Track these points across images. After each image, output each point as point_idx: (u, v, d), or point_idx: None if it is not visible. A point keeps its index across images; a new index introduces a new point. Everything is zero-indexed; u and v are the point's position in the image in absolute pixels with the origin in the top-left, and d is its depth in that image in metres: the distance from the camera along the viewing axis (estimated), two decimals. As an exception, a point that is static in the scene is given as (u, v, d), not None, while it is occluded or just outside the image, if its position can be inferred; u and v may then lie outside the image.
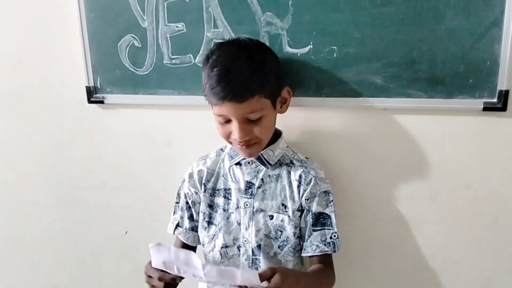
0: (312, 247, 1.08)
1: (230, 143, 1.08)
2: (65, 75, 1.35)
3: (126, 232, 1.47)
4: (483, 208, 1.20)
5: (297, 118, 1.21)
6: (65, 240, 1.53)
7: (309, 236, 1.09)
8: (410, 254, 1.28)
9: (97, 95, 1.33)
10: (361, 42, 1.12)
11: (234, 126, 1.01)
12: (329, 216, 1.10)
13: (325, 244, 1.08)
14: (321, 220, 1.09)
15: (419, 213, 1.24)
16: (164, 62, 1.24)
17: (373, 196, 1.25)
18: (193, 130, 1.32)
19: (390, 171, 1.23)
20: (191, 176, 1.17)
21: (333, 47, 1.14)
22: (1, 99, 1.44)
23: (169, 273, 0.95)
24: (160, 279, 0.95)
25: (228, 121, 1.02)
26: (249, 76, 0.97)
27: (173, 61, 1.24)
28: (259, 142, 1.05)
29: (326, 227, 1.09)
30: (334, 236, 1.09)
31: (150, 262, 0.97)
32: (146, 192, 1.42)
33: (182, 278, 0.96)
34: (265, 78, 1.00)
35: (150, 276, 0.98)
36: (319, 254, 1.08)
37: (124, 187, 1.43)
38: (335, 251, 1.08)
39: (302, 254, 1.11)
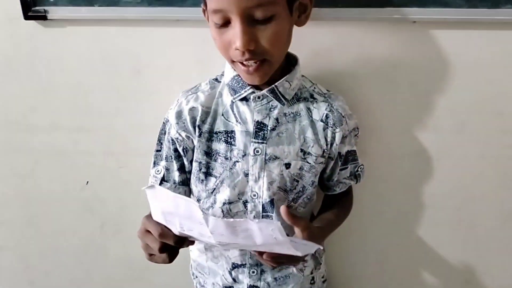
0: (339, 185, 0.99)
1: (232, 61, 0.80)
2: (-12, -21, 1.01)
3: (88, 182, 1.20)
4: (516, 138, 1.06)
5: (306, 36, 0.95)
6: (9, 194, 1.24)
7: (336, 176, 0.97)
8: (426, 192, 1.14)
9: (37, 7, 1.00)
10: None
11: (234, 29, 0.74)
12: (355, 151, 0.97)
13: (351, 179, 0.99)
14: (348, 157, 0.96)
15: (443, 146, 1.09)
16: (128, -41, 0.93)
17: (391, 129, 1.08)
18: (169, 54, 1.04)
19: (414, 99, 1.04)
20: (179, 116, 0.89)
21: None
22: None
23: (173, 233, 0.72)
24: (160, 235, 0.71)
25: (227, 23, 0.75)
26: None
27: (140, -42, 0.93)
28: (269, 60, 0.78)
29: (352, 163, 0.97)
30: (361, 168, 1.00)
31: (149, 215, 0.74)
32: (109, 133, 1.14)
33: (189, 242, 0.73)
34: None
35: (147, 231, 0.74)
36: (344, 189, 0.99)
37: (80, 127, 1.14)
38: (359, 182, 1.01)
39: (327, 193, 1.01)
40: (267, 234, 0.65)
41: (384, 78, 1.02)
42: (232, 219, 0.65)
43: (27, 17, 1.01)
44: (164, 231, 0.71)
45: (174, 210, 0.67)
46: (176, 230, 0.70)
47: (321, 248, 0.75)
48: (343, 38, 0.99)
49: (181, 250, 0.77)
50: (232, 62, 0.80)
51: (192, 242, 0.74)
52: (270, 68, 0.80)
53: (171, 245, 0.72)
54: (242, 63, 0.78)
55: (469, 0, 0.92)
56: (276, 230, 0.64)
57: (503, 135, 1.06)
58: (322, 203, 1.03)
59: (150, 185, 0.67)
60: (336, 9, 0.94)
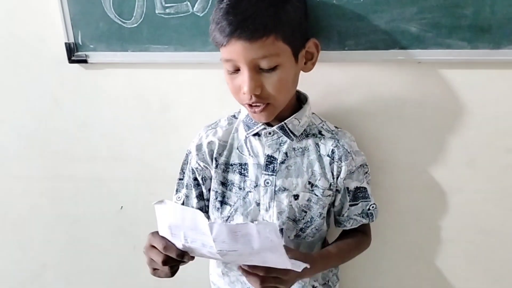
0: (350, 221, 1.01)
1: (242, 103, 0.90)
2: (40, 30, 1.15)
3: (122, 207, 1.31)
4: (526, 174, 1.07)
5: (316, 76, 1.01)
6: (52, 216, 1.37)
7: (346, 211, 1.00)
8: (441, 225, 1.16)
9: (79, 53, 1.13)
10: (394, -18, 0.94)
11: (242, 76, 0.83)
12: (366, 189, 1.00)
13: (362, 217, 1.01)
14: (358, 194, 0.99)
15: (453, 181, 1.11)
16: (156, 11, 1.05)
17: (402, 164, 1.11)
18: (193, 92, 1.15)
19: (422, 135, 1.08)
20: (199, 148, 0.99)
21: (360, -11, 0.95)
22: (-33, 60, 1.23)
23: (176, 247, 0.78)
24: (165, 248, 0.77)
25: (237, 70, 0.84)
26: (264, 9, 0.78)
27: (167, 11, 1.04)
28: (272, 104, 0.87)
29: (363, 200, 1.00)
30: (372, 207, 1.01)
31: (155, 232, 0.81)
32: (141, 162, 1.25)
33: (189, 257, 0.79)
34: (286, 17, 0.81)
35: (152, 247, 0.80)
36: (356, 226, 1.02)
37: (116, 157, 1.26)
38: (373, 221, 1.03)
39: (339, 227, 1.04)
40: (264, 236, 0.71)
41: (392, 115, 1.07)
42: (235, 223, 0.73)
43: (71, 61, 1.14)
44: (168, 244, 0.78)
45: (180, 223, 0.74)
46: (179, 244, 0.77)
47: (307, 266, 0.79)
48: (351, 78, 1.05)
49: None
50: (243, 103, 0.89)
51: (192, 258, 0.80)
52: (274, 110, 0.88)
53: (173, 260, 0.78)
54: (249, 105, 0.87)
55: (471, 41, 0.96)
56: (272, 232, 0.70)
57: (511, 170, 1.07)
58: (338, 237, 1.07)
59: (159, 200, 0.74)
60: (344, 52, 1.00)
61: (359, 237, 1.04)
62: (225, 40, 0.79)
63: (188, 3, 1.02)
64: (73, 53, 1.13)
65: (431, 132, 1.07)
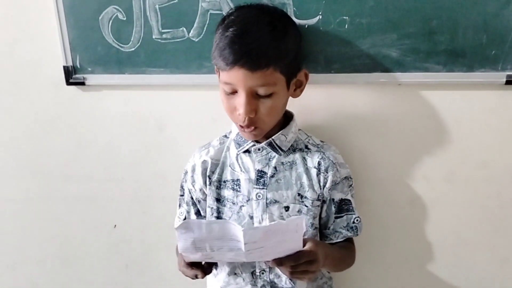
0: (335, 234, 1.03)
1: (235, 122, 0.97)
2: (39, 53, 1.19)
3: (115, 226, 1.34)
4: (501, 187, 1.15)
5: (304, 97, 1.08)
6: (45, 237, 1.39)
7: (331, 224, 1.03)
8: (422, 237, 1.22)
9: (77, 75, 1.17)
10: (376, 11, 1.02)
11: (239, 99, 0.89)
12: (350, 201, 1.04)
13: (348, 230, 1.03)
14: (343, 206, 1.03)
15: (434, 195, 1.18)
16: (153, 37, 1.10)
17: (386, 179, 1.18)
18: (188, 113, 1.20)
19: (404, 151, 1.15)
20: (193, 168, 1.05)
21: (344, 18, 1.03)
22: (-36, 83, 1.26)
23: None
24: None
25: (234, 92, 0.91)
26: (267, 42, 0.86)
27: (164, 36, 1.10)
28: (261, 127, 0.94)
29: (348, 213, 1.03)
30: (357, 220, 1.04)
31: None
32: (136, 183, 1.29)
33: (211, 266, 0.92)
34: (285, 50, 0.89)
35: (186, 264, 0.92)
36: (341, 240, 1.03)
37: (111, 178, 1.29)
38: (357, 235, 1.05)
39: (325, 241, 1.04)
40: (293, 230, 0.80)
41: (375, 132, 1.13)
42: (267, 225, 0.86)
43: (68, 83, 1.18)
44: (183, 269, 0.91)
45: (206, 236, 0.80)
46: (202, 257, 0.86)
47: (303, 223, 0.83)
48: (336, 98, 1.12)
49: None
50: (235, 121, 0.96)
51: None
52: (263, 132, 0.97)
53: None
54: (240, 125, 0.94)
55: (446, 65, 1.04)
56: (300, 225, 0.80)
57: (488, 185, 1.14)
58: None
59: (183, 223, 0.80)
60: (329, 75, 1.07)
61: (347, 248, 1.07)
62: (228, 67, 0.86)
63: (184, 29, 1.09)
64: (71, 76, 1.17)
65: (412, 149, 1.14)
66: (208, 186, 1.03)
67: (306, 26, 1.04)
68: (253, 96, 0.89)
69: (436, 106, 1.10)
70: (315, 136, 1.06)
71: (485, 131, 1.10)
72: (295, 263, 0.84)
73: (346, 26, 1.03)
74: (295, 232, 0.80)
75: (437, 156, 1.14)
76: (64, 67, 1.16)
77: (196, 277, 0.92)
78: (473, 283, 1.25)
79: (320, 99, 1.13)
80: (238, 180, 1.02)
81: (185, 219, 1.08)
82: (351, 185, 1.05)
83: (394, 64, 1.05)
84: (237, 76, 0.86)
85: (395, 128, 1.13)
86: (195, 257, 0.88)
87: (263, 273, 1.02)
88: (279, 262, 0.84)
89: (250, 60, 0.84)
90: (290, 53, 0.90)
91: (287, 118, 1.03)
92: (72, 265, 1.41)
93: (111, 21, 1.11)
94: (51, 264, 1.42)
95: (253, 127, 0.93)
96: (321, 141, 1.06)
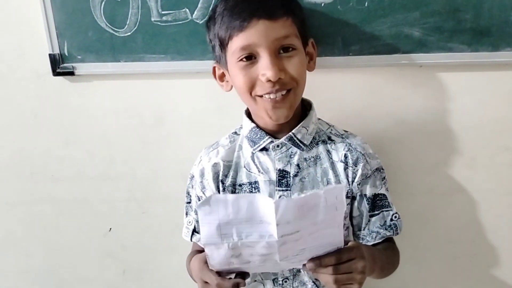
0: (372, 235, 0.92)
1: (254, 100, 0.85)
2: (21, 40, 1.08)
3: (110, 229, 1.23)
4: (524, 173, 1.10)
5: (320, 82, 1.01)
6: (33, 244, 1.27)
7: (367, 224, 0.92)
8: (442, 226, 1.17)
9: (65, 64, 1.06)
10: (398, -13, 0.95)
11: (262, 62, 0.80)
12: (385, 196, 0.93)
13: (386, 229, 0.92)
14: (377, 202, 0.92)
15: (454, 182, 1.12)
16: (152, 19, 1.00)
17: (405, 166, 1.11)
18: (191, 105, 1.10)
19: (425, 137, 1.09)
20: (202, 173, 0.93)
21: (364, -5, 0.96)
22: None
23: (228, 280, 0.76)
24: (218, 285, 0.75)
25: (252, 58, 0.82)
26: None
27: (164, 18, 1.00)
28: (293, 91, 0.84)
29: (384, 209, 0.92)
30: (395, 217, 0.93)
31: (199, 266, 0.80)
32: (133, 181, 1.18)
33: (243, 283, 0.77)
34: (297, 4, 0.89)
35: (206, 283, 0.79)
36: (380, 240, 0.92)
37: (104, 176, 1.18)
38: (398, 234, 0.94)
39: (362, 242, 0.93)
40: (331, 204, 0.68)
41: (395, 119, 1.07)
42: (302, 195, 0.75)
43: (55, 73, 1.07)
44: (220, 282, 0.75)
45: (233, 216, 0.68)
46: (229, 246, 0.71)
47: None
48: (355, 83, 1.05)
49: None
50: (254, 101, 0.85)
51: (244, 284, 0.77)
52: (295, 98, 0.86)
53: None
54: (268, 97, 0.83)
55: (471, 45, 0.98)
56: (340, 194, 0.69)
57: (510, 170, 1.10)
58: None
59: (206, 199, 0.68)
60: (347, 58, 1.00)
61: (390, 249, 0.96)
62: (245, 22, 0.78)
63: (187, 9, 0.99)
64: (58, 65, 1.06)
65: (433, 134, 1.08)
66: (221, 192, 0.92)
67: (323, 4, 0.96)
68: (276, 56, 0.81)
69: (459, 89, 1.04)
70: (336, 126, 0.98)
71: (510, 114, 1.05)
72: (337, 262, 0.72)
73: (366, 4, 0.96)
74: (335, 210, 0.69)
75: (458, 142, 1.08)
76: (50, 55, 1.06)
77: (238, 286, 0.76)
78: (492, 272, 1.20)
79: (337, 84, 1.05)
80: (256, 182, 0.91)
81: (194, 228, 0.96)
82: (384, 178, 0.94)
83: (416, 44, 0.98)
84: (256, 31, 0.79)
85: (416, 113, 1.07)
86: (220, 256, 0.73)
87: (286, 281, 0.93)
88: (318, 262, 0.72)
89: (268, 9, 0.78)
90: (301, 11, 0.88)
91: (305, 107, 0.94)
92: (61, 274, 1.30)
93: (103, 2, 1.00)
94: (37, 274, 1.30)
95: (285, 92, 0.83)
96: (345, 131, 0.97)
